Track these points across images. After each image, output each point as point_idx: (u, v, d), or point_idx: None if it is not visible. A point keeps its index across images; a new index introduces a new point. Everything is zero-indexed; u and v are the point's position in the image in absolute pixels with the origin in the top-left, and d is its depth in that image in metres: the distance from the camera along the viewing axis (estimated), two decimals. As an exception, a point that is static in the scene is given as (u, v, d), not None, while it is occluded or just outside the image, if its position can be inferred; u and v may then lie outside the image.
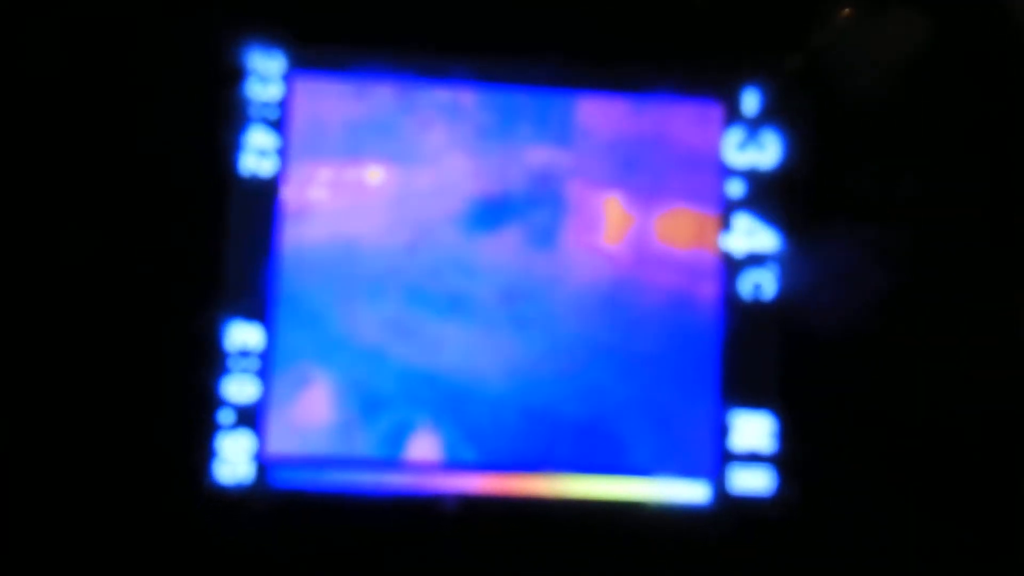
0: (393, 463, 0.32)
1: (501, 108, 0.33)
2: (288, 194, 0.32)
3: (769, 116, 0.34)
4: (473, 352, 0.32)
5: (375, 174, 0.33)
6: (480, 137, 0.33)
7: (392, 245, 0.32)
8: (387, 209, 0.32)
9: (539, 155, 0.33)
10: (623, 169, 0.33)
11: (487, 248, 0.32)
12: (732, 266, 0.33)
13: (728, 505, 0.32)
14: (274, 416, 0.32)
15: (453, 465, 0.32)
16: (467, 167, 0.33)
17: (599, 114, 0.33)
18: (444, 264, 0.32)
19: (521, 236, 0.33)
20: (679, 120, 0.33)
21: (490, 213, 0.33)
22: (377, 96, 0.33)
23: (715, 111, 0.33)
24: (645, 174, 0.33)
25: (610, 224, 0.33)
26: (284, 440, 0.32)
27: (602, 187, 0.33)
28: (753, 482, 0.33)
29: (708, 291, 0.33)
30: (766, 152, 0.34)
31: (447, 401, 0.32)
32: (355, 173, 0.33)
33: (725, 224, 0.33)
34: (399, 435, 0.32)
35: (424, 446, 0.32)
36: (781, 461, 0.33)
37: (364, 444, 0.32)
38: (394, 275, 0.32)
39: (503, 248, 0.32)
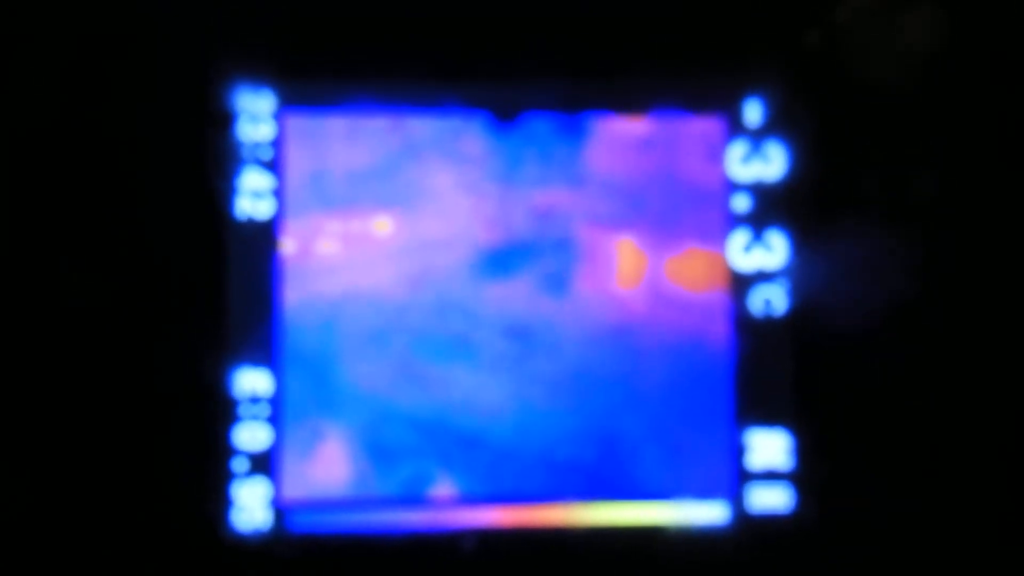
0: (409, 502, 0.32)
1: (507, 151, 0.32)
2: (289, 245, 0.32)
3: (773, 127, 0.33)
4: (488, 396, 0.32)
5: (380, 223, 0.32)
6: (487, 181, 0.32)
7: (401, 294, 0.32)
8: (394, 258, 0.32)
9: (548, 198, 0.32)
10: (634, 209, 0.32)
11: (499, 295, 0.32)
12: (741, 283, 0.33)
13: (747, 524, 0.32)
14: (289, 462, 0.32)
15: (470, 500, 0.32)
16: (475, 213, 0.32)
17: (606, 153, 0.32)
18: (456, 312, 0.32)
19: (534, 281, 0.32)
20: (686, 150, 0.33)
21: (501, 260, 0.32)
22: (377, 140, 0.32)
23: (720, 133, 0.33)
24: (656, 213, 0.32)
25: (623, 266, 0.32)
26: (300, 485, 0.32)
27: (614, 229, 0.32)
28: (771, 500, 0.32)
29: (721, 322, 0.32)
30: (771, 164, 0.33)
31: (464, 444, 0.32)
32: (360, 222, 0.32)
33: (733, 240, 0.33)
34: (417, 486, 0.32)
35: (441, 486, 0.32)
36: (798, 477, 0.32)
37: (382, 492, 0.32)
38: (404, 324, 0.32)
39: (516, 294, 0.32)
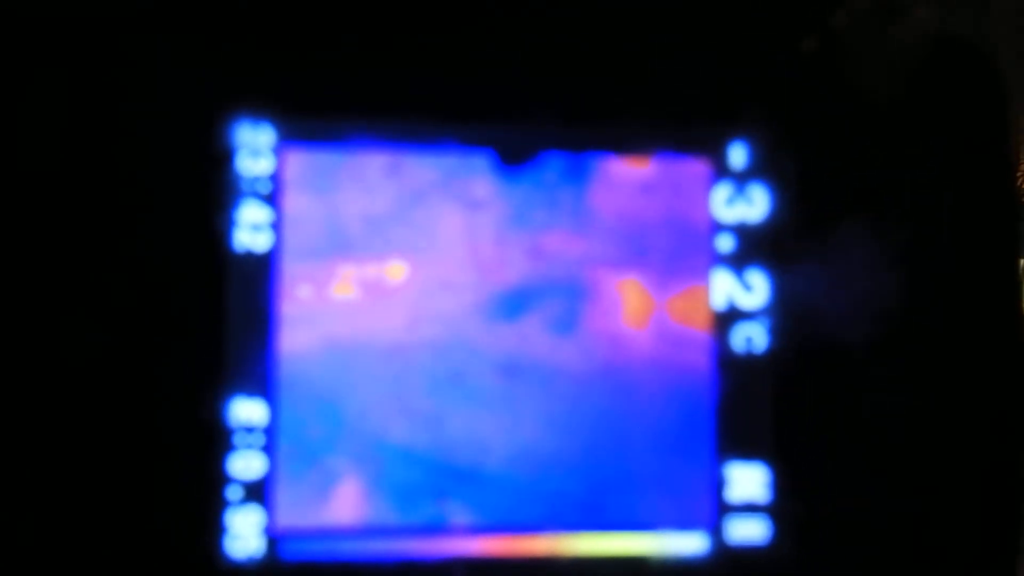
0: (401, 531, 0.33)
1: (513, 194, 0.33)
2: (289, 279, 0.33)
3: (756, 171, 0.34)
4: (483, 430, 0.33)
5: (385, 263, 0.33)
6: (493, 224, 0.33)
7: (402, 332, 0.33)
8: (399, 298, 0.33)
9: (554, 240, 0.33)
10: (637, 250, 0.33)
11: (504, 336, 0.33)
12: (724, 321, 0.34)
13: (726, 555, 0.34)
14: (283, 491, 0.32)
15: (462, 530, 0.33)
16: (481, 255, 0.33)
17: (610, 194, 0.33)
18: (459, 352, 0.33)
19: (540, 323, 0.33)
20: (685, 192, 0.34)
21: (507, 302, 0.33)
22: (380, 178, 0.33)
23: (709, 175, 0.34)
24: (658, 253, 0.34)
25: (628, 305, 0.33)
26: (293, 514, 0.32)
27: (619, 269, 0.33)
28: (749, 532, 0.34)
29: (704, 359, 0.34)
30: (754, 206, 0.34)
31: (458, 477, 0.33)
32: (364, 260, 0.33)
33: (716, 279, 0.34)
34: (410, 516, 0.33)
35: (433, 516, 0.33)
36: (776, 510, 0.34)
37: (374, 522, 0.33)
38: (403, 360, 0.33)
39: (521, 335, 0.33)
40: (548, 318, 0.33)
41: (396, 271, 0.33)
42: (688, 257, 0.34)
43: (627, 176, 0.34)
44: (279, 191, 0.33)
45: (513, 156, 0.33)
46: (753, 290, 0.34)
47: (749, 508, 0.34)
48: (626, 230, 0.34)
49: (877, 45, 0.33)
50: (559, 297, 0.33)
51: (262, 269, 0.33)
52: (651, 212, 0.34)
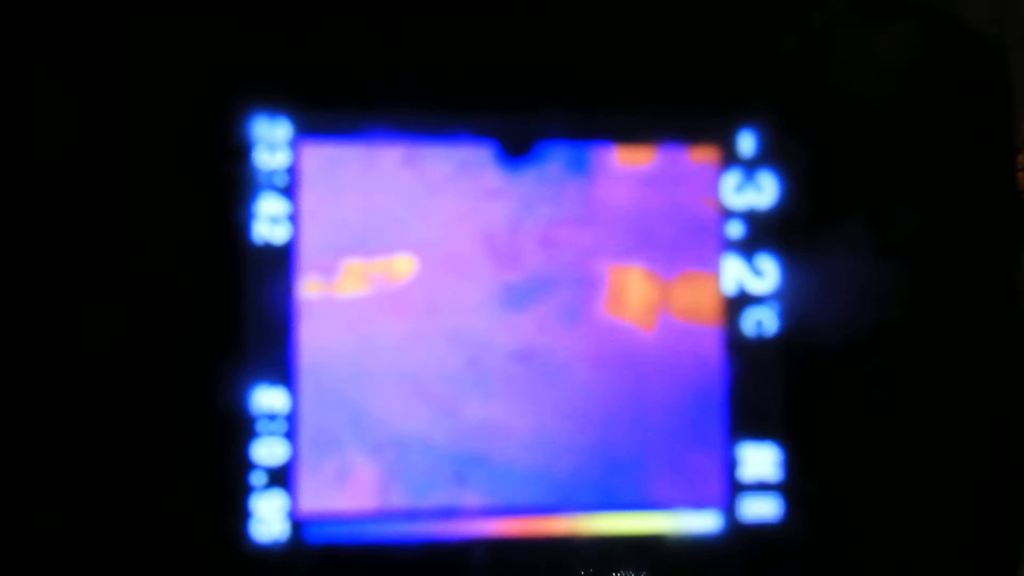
0: (422, 514, 0.34)
1: (520, 186, 0.34)
2: (305, 272, 0.33)
3: (765, 158, 0.35)
4: (499, 417, 0.34)
5: (396, 254, 0.33)
6: (505, 218, 0.34)
7: (416, 325, 0.33)
8: (411, 292, 0.33)
9: (560, 231, 0.34)
10: (642, 239, 0.34)
11: (514, 326, 0.34)
12: (735, 306, 0.35)
13: (739, 532, 0.34)
14: (305, 477, 0.33)
15: (481, 513, 0.34)
16: (490, 247, 0.34)
17: (614, 184, 0.34)
18: (470, 342, 0.34)
19: (547, 312, 0.34)
20: (689, 180, 0.34)
21: (516, 293, 0.34)
22: (393, 172, 0.33)
23: (716, 164, 0.34)
24: (662, 242, 0.34)
25: (632, 294, 0.34)
26: (316, 499, 0.33)
27: (623, 258, 0.34)
28: (762, 510, 0.34)
29: (716, 343, 0.34)
30: (763, 193, 0.35)
31: (475, 462, 0.33)
32: (375, 252, 0.33)
33: (727, 266, 0.35)
34: (431, 499, 0.34)
35: (453, 500, 0.34)
36: (787, 489, 0.34)
37: (395, 506, 0.34)
38: (418, 352, 0.33)
39: (530, 325, 0.34)
40: (559, 306, 0.34)
41: (411, 263, 0.34)
42: (696, 245, 0.34)
43: (635, 166, 0.34)
44: (296, 184, 0.33)
45: (519, 147, 0.34)
46: (763, 275, 0.35)
47: (761, 487, 0.34)
48: (635, 219, 0.34)
49: (877, 41, 0.34)
50: (570, 286, 0.34)
51: (281, 261, 0.33)
52: (659, 201, 0.34)
